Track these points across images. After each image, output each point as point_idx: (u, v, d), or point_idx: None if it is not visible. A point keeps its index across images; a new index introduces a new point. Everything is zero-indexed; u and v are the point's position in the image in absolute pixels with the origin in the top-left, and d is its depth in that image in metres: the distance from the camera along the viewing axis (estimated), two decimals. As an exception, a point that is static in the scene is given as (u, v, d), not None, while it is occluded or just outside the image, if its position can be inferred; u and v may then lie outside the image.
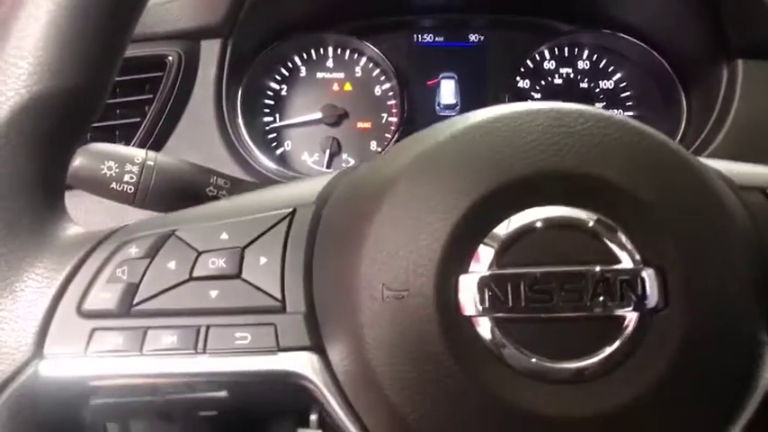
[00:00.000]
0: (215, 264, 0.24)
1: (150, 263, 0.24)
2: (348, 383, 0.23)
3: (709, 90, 0.52)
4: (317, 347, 0.24)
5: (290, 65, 0.61)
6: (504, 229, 0.21)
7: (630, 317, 0.20)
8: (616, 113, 0.24)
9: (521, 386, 0.20)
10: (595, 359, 0.20)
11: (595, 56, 0.61)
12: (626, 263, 0.21)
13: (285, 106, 0.60)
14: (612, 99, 0.60)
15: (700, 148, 0.49)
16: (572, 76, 0.61)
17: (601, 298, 0.20)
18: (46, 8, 0.24)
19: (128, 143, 0.47)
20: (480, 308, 0.20)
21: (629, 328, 0.20)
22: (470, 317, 0.20)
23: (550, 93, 0.61)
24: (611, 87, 0.61)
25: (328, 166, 0.60)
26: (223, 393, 0.70)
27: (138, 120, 0.47)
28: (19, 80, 0.24)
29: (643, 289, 0.20)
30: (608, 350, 0.20)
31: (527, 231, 0.21)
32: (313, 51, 0.61)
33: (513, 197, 0.21)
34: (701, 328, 0.20)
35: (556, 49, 0.61)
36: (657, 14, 0.54)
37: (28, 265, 0.24)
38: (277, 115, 0.60)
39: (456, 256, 0.21)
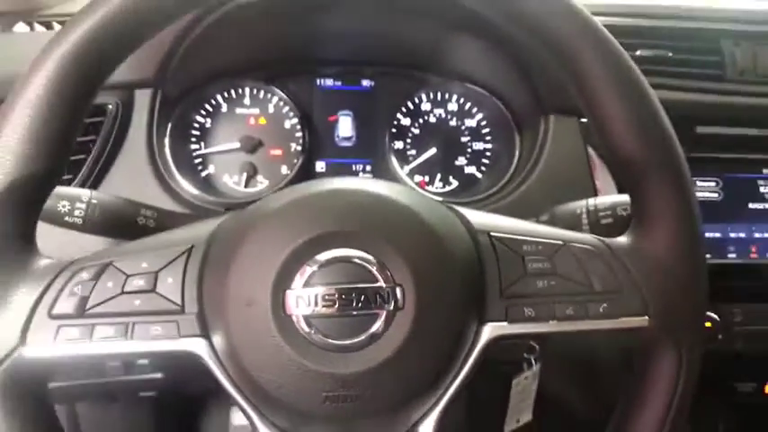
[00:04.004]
0: (138, 283, 0.37)
1: (95, 283, 0.37)
2: (225, 359, 0.37)
3: (533, 136, 0.68)
4: (205, 335, 0.37)
5: (213, 102, 0.73)
6: (312, 262, 0.35)
7: (382, 313, 0.35)
8: (385, 190, 0.38)
9: (321, 356, 0.34)
10: (360, 338, 0.35)
11: (461, 100, 0.76)
12: (380, 282, 0.35)
13: (209, 136, 0.73)
14: (474, 134, 0.76)
15: (523, 180, 0.66)
16: (443, 115, 0.77)
17: (365, 302, 0.35)
18: (21, 112, 0.36)
19: (75, 176, 0.58)
20: (296, 311, 0.35)
21: (381, 320, 0.35)
22: (292, 315, 0.35)
23: (427, 129, 0.76)
24: (473, 125, 0.77)
25: (246, 187, 0.73)
26: (159, 375, 0.82)
27: (83, 157, 0.58)
28: (3, 168, 0.34)
29: (389, 297, 0.35)
30: (367, 333, 0.35)
31: (324, 264, 0.35)
32: (233, 91, 0.74)
33: (317, 244, 0.35)
34: (421, 323, 0.35)
35: (430, 94, 0.76)
36: (496, 75, 0.71)
37: (14, 287, 0.36)
38: (202, 143, 0.73)
39: (284, 279, 0.35)
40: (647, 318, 0.38)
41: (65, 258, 0.38)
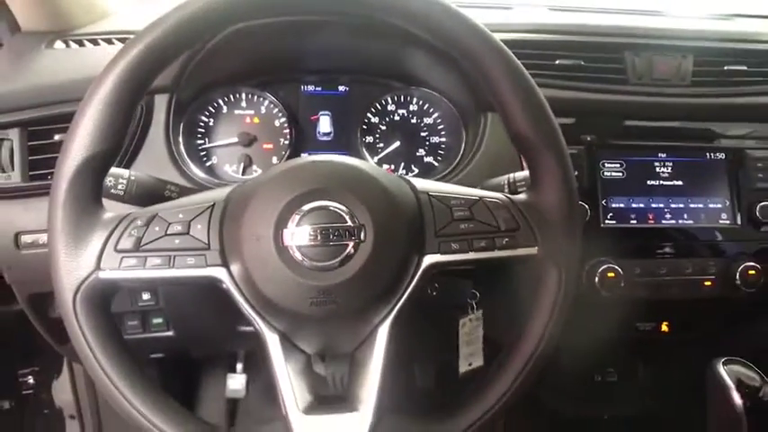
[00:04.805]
0: (177, 228, 0.52)
1: (147, 228, 0.51)
2: (239, 281, 0.52)
3: (475, 130, 0.85)
4: (225, 265, 0.52)
5: (215, 105, 0.88)
6: (301, 210, 0.51)
7: (350, 244, 0.50)
8: (351, 161, 0.54)
9: (308, 273, 0.50)
10: (335, 261, 0.49)
11: (420, 101, 0.93)
12: (349, 223, 0.51)
13: (212, 133, 0.88)
14: (432, 130, 0.92)
15: (467, 164, 0.82)
16: (406, 114, 0.92)
17: (338, 236, 0.50)
18: (95, 107, 0.51)
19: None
20: (291, 242, 0.50)
21: (349, 249, 0.50)
22: (288, 245, 0.50)
23: (392, 126, 0.92)
24: (430, 122, 0.93)
25: (243, 174, 0.88)
26: (171, 333, 0.98)
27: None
28: (82, 147, 0.49)
29: (355, 233, 0.50)
30: (340, 257, 0.49)
31: (309, 210, 0.51)
32: (232, 96, 0.89)
33: (305, 197, 0.51)
34: (378, 251, 0.50)
35: (395, 97, 0.92)
36: (445, 81, 0.87)
37: (92, 231, 0.51)
38: (207, 139, 0.88)
39: (282, 221, 0.50)
40: (536, 248, 0.55)
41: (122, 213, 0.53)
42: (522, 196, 0.57)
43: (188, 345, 0.97)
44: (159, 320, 0.87)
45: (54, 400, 1.24)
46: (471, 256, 0.54)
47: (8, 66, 0.79)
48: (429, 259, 0.53)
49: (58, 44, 0.81)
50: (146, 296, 0.82)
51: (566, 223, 0.56)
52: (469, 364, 0.85)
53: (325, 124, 0.91)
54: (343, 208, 0.50)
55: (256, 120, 0.89)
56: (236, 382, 1.16)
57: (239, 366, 1.16)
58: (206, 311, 0.84)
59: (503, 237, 0.54)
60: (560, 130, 0.56)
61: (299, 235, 0.49)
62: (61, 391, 1.23)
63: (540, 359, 0.55)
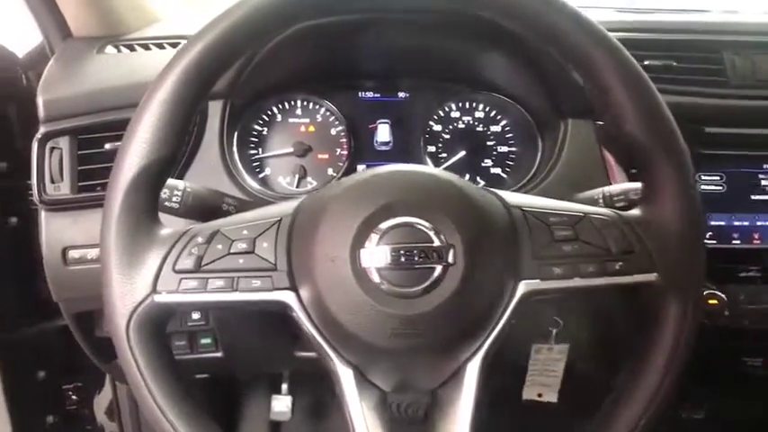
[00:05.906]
0: (240, 246, 0.46)
1: (208, 246, 0.46)
2: (310, 306, 0.45)
3: (553, 138, 0.77)
4: (293, 288, 0.46)
5: (269, 113, 0.83)
6: (379, 229, 0.44)
7: (438, 267, 0.43)
8: (434, 171, 0.47)
9: (390, 300, 0.43)
10: (420, 287, 0.43)
11: (487, 108, 0.85)
12: (436, 242, 0.44)
13: (266, 143, 0.83)
14: (499, 138, 0.85)
15: (544, 178, 0.74)
16: (471, 121, 0.86)
17: (424, 258, 0.43)
18: (153, 110, 0.45)
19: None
20: (370, 264, 0.43)
21: (436, 273, 0.43)
22: (366, 268, 0.43)
23: (456, 134, 0.85)
24: (498, 130, 0.86)
25: (297, 187, 0.82)
26: (219, 354, 0.91)
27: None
28: (139, 154, 0.44)
29: (444, 254, 0.43)
30: (426, 283, 0.42)
31: (390, 228, 0.44)
32: (287, 103, 0.84)
33: (384, 213, 0.44)
34: (469, 276, 0.43)
35: (459, 103, 0.85)
36: (519, 85, 0.80)
37: (148, 249, 0.45)
38: (260, 149, 0.83)
39: (359, 240, 0.44)
40: (655, 274, 0.46)
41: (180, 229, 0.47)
42: (635, 212, 0.49)
43: (236, 366, 0.91)
44: (208, 341, 0.81)
45: (96, 417, 1.20)
46: (577, 282, 0.46)
47: (60, 72, 0.75)
48: (526, 285, 0.46)
49: (109, 49, 0.78)
50: (195, 315, 0.76)
51: (689, 244, 0.47)
52: (539, 395, 0.76)
53: (383, 133, 0.85)
54: (429, 225, 0.43)
55: (312, 128, 0.84)
56: (282, 404, 1.10)
57: (284, 387, 1.10)
58: (259, 333, 0.79)
59: (615, 261, 0.46)
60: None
61: (378, 256, 0.43)
62: (103, 408, 1.19)
63: (660, 407, 0.46)
